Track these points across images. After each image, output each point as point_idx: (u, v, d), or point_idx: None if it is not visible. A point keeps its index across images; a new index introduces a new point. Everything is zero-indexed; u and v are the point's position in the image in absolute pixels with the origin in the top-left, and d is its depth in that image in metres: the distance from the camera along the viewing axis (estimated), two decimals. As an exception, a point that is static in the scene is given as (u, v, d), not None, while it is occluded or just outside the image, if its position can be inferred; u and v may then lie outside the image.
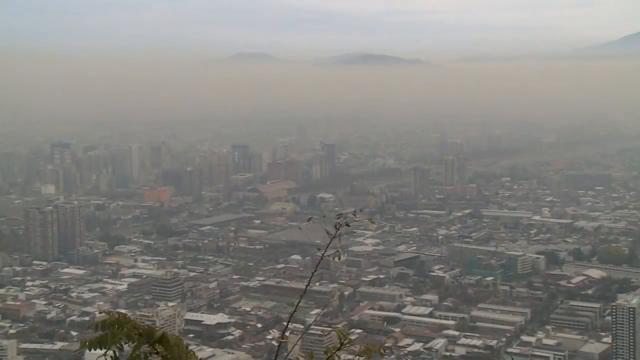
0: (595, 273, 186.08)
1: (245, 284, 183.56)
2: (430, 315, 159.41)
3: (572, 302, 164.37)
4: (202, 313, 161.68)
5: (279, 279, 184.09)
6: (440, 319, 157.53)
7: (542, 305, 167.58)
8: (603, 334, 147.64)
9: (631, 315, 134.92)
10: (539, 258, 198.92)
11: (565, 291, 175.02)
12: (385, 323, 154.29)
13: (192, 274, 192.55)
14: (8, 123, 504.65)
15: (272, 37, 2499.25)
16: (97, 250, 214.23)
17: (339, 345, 9.81)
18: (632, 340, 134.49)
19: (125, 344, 8.93)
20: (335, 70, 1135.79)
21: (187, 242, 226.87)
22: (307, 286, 16.08)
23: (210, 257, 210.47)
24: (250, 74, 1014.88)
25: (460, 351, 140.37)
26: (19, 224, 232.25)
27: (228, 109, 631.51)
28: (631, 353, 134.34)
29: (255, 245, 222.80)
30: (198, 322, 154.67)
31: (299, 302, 15.67)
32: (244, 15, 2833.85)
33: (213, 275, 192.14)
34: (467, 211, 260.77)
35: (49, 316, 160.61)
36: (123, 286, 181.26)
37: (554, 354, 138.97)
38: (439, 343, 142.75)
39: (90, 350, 9.02)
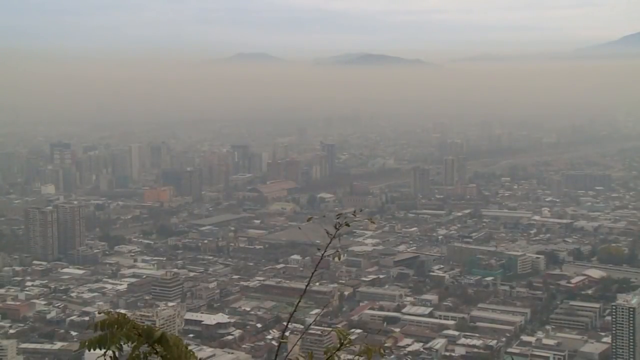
0: (595, 273, 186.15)
1: (245, 284, 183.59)
2: (430, 315, 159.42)
3: (572, 302, 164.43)
4: (202, 313, 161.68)
5: (279, 279, 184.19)
6: (440, 319, 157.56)
7: (542, 305, 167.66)
8: (603, 334, 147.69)
9: (631, 315, 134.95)
10: (539, 258, 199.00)
11: (565, 291, 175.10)
12: (385, 323, 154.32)
13: (192, 274, 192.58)
14: (8, 123, 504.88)
15: (272, 37, 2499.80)
16: (97, 250, 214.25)
17: (339, 345, 9.80)
18: (632, 340, 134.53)
19: (124, 344, 8.92)
20: (335, 70, 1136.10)
21: (187, 242, 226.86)
22: (307, 286, 16.10)
23: (210, 257, 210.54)
24: (250, 74, 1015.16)
25: (460, 351, 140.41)
26: (19, 224, 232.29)
27: (228, 109, 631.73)
28: (631, 353, 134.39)
29: (255, 245, 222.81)
30: (198, 322, 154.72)
31: (299, 302, 15.67)
32: (244, 15, 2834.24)
33: (213, 275, 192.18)
34: (467, 211, 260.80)
35: (48, 316, 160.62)
36: (123, 286, 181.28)
37: (554, 354, 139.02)
38: (438, 343, 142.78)
39: (89, 350, 9.02)
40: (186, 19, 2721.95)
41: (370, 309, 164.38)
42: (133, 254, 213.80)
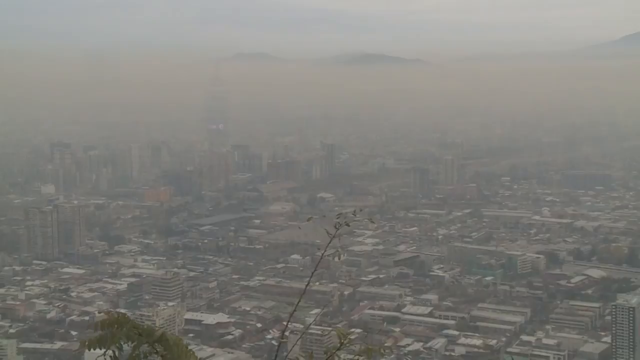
0: (595, 273, 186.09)
1: (245, 283, 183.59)
2: (430, 314, 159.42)
3: (572, 302, 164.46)
4: (202, 313, 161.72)
5: (279, 279, 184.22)
6: (440, 318, 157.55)
7: (542, 305, 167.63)
8: (603, 333, 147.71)
9: (631, 315, 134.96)
10: (539, 258, 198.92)
11: (565, 291, 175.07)
12: (385, 323, 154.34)
13: (191, 273, 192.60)
14: (8, 123, 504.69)
15: (272, 37, 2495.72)
16: (97, 250, 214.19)
17: (339, 345, 9.80)
18: (632, 340, 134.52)
19: (124, 343, 8.92)
20: (335, 70, 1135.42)
21: (187, 241, 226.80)
22: (306, 286, 16.11)
23: (210, 257, 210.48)
24: (251, 74, 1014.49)
25: (460, 351, 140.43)
26: (19, 223, 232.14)
27: (228, 109, 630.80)
28: (631, 353, 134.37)
29: (255, 245, 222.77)
30: (198, 322, 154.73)
31: (299, 301, 15.67)
32: (244, 15, 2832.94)
33: (213, 275, 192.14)
34: (467, 211, 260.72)
35: (48, 316, 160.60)
36: (123, 286, 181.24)
37: (554, 354, 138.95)
38: (438, 343, 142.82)
39: (89, 350, 9.02)
40: (186, 19, 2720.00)
41: (370, 308, 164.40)
42: (133, 254, 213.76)
